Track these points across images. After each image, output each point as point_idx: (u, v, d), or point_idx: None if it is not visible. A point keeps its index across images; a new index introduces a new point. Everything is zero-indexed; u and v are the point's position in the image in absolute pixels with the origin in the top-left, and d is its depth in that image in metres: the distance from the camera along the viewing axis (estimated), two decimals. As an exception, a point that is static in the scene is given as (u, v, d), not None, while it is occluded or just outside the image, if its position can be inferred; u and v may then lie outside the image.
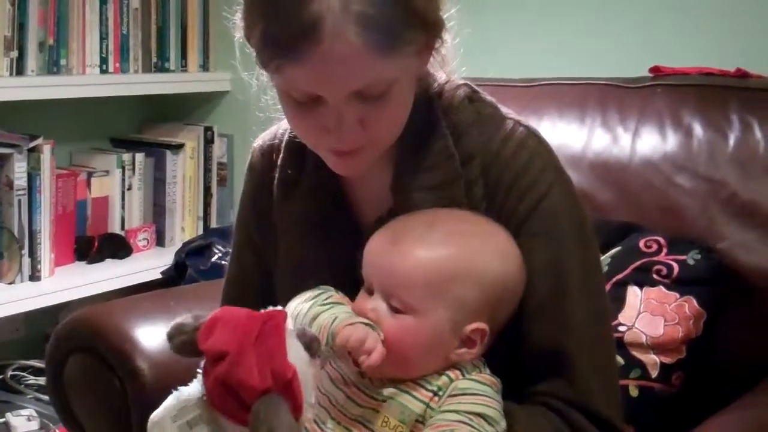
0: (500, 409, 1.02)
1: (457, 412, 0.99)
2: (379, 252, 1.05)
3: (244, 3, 1.04)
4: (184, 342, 1.00)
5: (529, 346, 1.08)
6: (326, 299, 1.08)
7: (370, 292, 1.05)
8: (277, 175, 1.22)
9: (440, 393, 1.02)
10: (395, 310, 1.02)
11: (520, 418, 1.05)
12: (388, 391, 1.02)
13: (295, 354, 0.96)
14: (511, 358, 1.09)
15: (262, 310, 1.03)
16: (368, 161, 1.09)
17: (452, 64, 1.15)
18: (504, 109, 1.16)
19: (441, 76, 1.15)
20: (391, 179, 1.13)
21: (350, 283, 1.12)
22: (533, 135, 1.13)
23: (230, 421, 0.96)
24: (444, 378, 1.03)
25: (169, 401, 1.07)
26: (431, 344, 1.02)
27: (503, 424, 1.02)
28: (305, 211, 1.19)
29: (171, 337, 1.01)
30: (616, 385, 1.13)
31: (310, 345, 0.99)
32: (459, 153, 1.11)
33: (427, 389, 1.02)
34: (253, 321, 0.97)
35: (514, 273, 1.06)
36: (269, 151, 1.24)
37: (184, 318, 1.03)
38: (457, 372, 1.03)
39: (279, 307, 1.03)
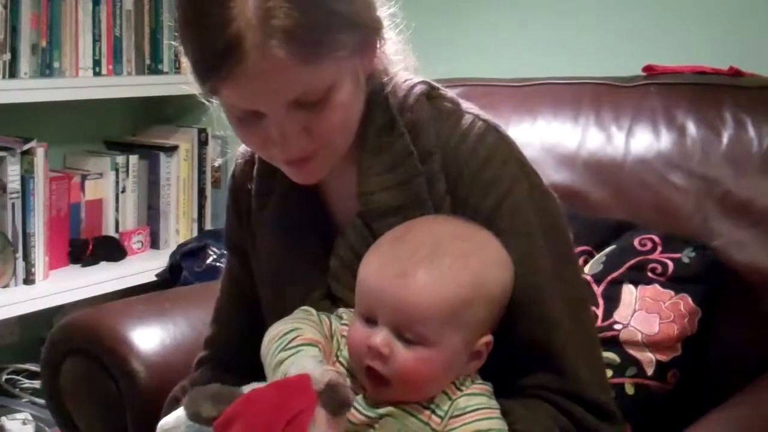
0: (499, 415, 1.02)
1: None
2: (387, 284, 1.00)
3: (178, 29, 1.05)
4: (199, 422, 0.97)
5: (513, 342, 1.08)
6: (291, 340, 1.03)
7: (371, 321, 1.01)
8: (253, 186, 1.22)
9: (439, 412, 1.01)
10: (408, 342, 0.99)
11: (520, 416, 1.05)
12: (384, 409, 1.01)
13: None
14: (497, 355, 1.09)
15: (289, 379, 0.97)
16: (325, 166, 1.09)
17: (406, 62, 1.15)
18: (465, 105, 1.15)
19: (398, 75, 1.14)
20: (356, 182, 1.13)
21: (323, 291, 1.13)
22: (493, 129, 1.12)
23: None
24: (440, 395, 1.02)
25: (181, 411, 1.06)
26: (448, 369, 1.01)
27: (506, 427, 1.02)
28: (279, 219, 1.19)
29: (187, 410, 0.98)
30: (602, 370, 1.14)
31: (340, 409, 0.95)
32: (418, 150, 1.10)
33: (423, 405, 1.01)
34: (276, 422, 0.92)
35: (509, 278, 1.06)
36: (249, 161, 1.25)
37: (203, 394, 0.98)
38: (452, 387, 1.03)
39: (309, 371, 0.97)
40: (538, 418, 1.05)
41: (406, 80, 1.15)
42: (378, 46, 1.09)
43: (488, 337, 1.04)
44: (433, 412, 1.01)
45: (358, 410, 1.01)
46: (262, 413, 0.93)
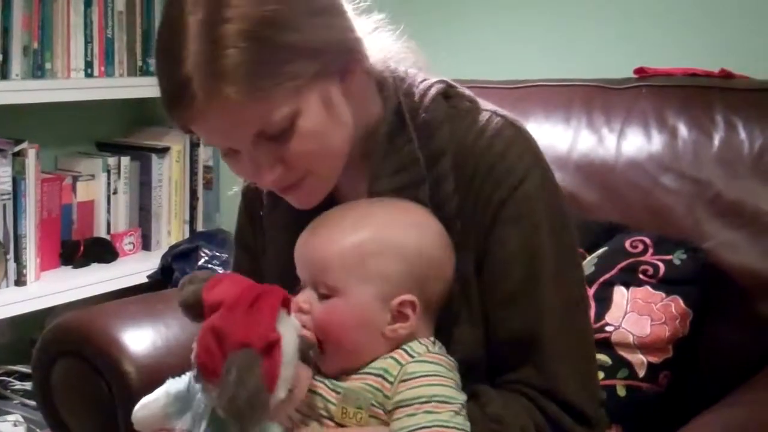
0: (455, 386, 1.02)
1: (411, 403, 0.99)
2: (300, 246, 1.08)
3: None
4: (191, 291, 1.02)
5: (502, 333, 1.09)
6: None
7: (304, 287, 1.08)
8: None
9: (389, 377, 1.02)
10: (323, 297, 1.04)
11: (493, 399, 1.05)
12: (341, 384, 1.03)
13: (287, 334, 0.97)
14: (487, 348, 1.10)
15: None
16: (319, 191, 1.10)
17: (417, 61, 1.15)
18: (483, 103, 1.15)
19: (415, 76, 1.14)
20: (367, 186, 1.13)
21: None
22: (511, 124, 1.12)
23: (210, 383, 0.97)
24: (390, 360, 1.03)
25: (161, 390, 1.09)
26: (360, 322, 1.03)
27: (461, 398, 1.02)
28: (290, 220, 1.19)
29: (182, 286, 1.04)
30: (589, 372, 1.13)
31: (306, 353, 1.00)
32: (429, 151, 1.10)
33: (374, 374, 1.03)
34: (256, 286, 1.00)
35: (434, 242, 1.07)
36: None
37: (199, 272, 1.07)
38: (402, 353, 1.04)
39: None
40: (512, 408, 1.05)
41: (423, 80, 1.15)
42: (358, 65, 1.07)
43: (408, 297, 1.04)
44: (384, 378, 1.02)
45: (324, 383, 1.04)
46: (245, 280, 1.02)
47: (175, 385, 1.10)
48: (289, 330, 0.98)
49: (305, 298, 1.05)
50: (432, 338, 1.07)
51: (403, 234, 1.06)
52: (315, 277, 1.05)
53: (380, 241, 1.04)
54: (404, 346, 1.04)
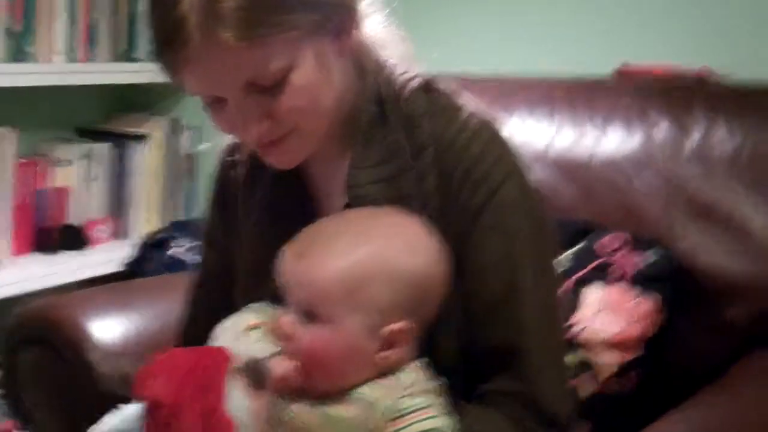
0: (445, 411, 1.00)
1: None
2: (287, 266, 1.02)
3: None
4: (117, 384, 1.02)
5: (482, 343, 1.07)
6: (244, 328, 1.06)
7: (289, 306, 1.03)
8: (241, 173, 1.21)
9: (378, 409, 0.98)
10: (310, 321, 0.99)
11: (478, 418, 1.04)
12: (324, 409, 0.99)
13: (236, 404, 0.95)
14: (464, 356, 1.08)
15: (208, 345, 1.04)
16: (299, 151, 1.08)
17: (405, 49, 1.14)
18: (463, 99, 1.13)
19: (394, 66, 1.13)
20: (346, 175, 1.11)
21: None
22: (489, 125, 1.11)
23: None
24: (380, 390, 0.99)
25: (109, 418, 1.06)
26: (348, 352, 0.99)
27: (453, 423, 1.00)
28: (266, 209, 1.17)
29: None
30: (565, 380, 1.13)
31: (260, 379, 0.97)
32: (411, 144, 1.09)
33: (362, 403, 0.99)
34: (194, 369, 0.96)
35: (428, 264, 1.03)
36: (237, 148, 1.23)
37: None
38: (393, 382, 1.00)
39: (224, 344, 1.02)
40: (496, 423, 1.04)
41: (403, 72, 1.13)
42: (354, 26, 1.07)
43: (400, 324, 0.99)
44: (373, 409, 0.98)
45: (303, 408, 1.00)
46: (179, 364, 0.98)
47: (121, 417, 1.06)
48: (238, 399, 0.96)
49: (287, 321, 1.00)
50: (419, 361, 1.03)
51: (402, 259, 1.00)
52: (302, 301, 1.00)
53: (377, 267, 0.99)
54: (393, 376, 1.01)
